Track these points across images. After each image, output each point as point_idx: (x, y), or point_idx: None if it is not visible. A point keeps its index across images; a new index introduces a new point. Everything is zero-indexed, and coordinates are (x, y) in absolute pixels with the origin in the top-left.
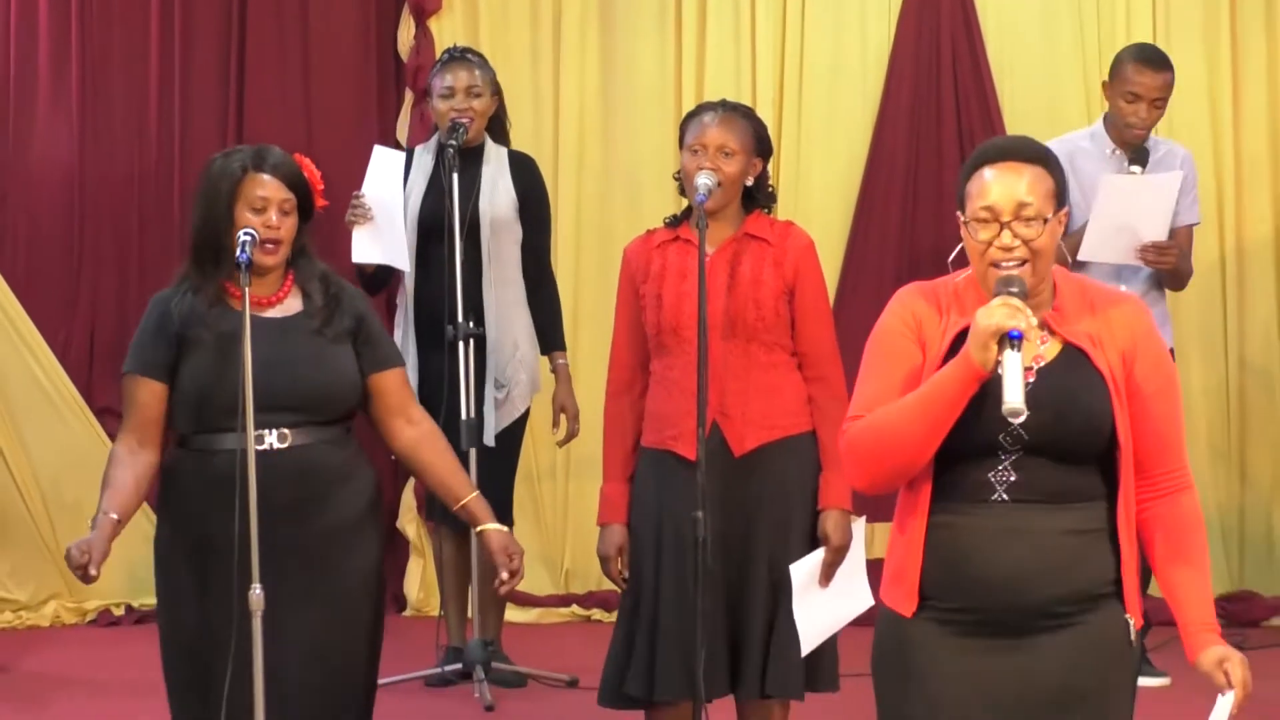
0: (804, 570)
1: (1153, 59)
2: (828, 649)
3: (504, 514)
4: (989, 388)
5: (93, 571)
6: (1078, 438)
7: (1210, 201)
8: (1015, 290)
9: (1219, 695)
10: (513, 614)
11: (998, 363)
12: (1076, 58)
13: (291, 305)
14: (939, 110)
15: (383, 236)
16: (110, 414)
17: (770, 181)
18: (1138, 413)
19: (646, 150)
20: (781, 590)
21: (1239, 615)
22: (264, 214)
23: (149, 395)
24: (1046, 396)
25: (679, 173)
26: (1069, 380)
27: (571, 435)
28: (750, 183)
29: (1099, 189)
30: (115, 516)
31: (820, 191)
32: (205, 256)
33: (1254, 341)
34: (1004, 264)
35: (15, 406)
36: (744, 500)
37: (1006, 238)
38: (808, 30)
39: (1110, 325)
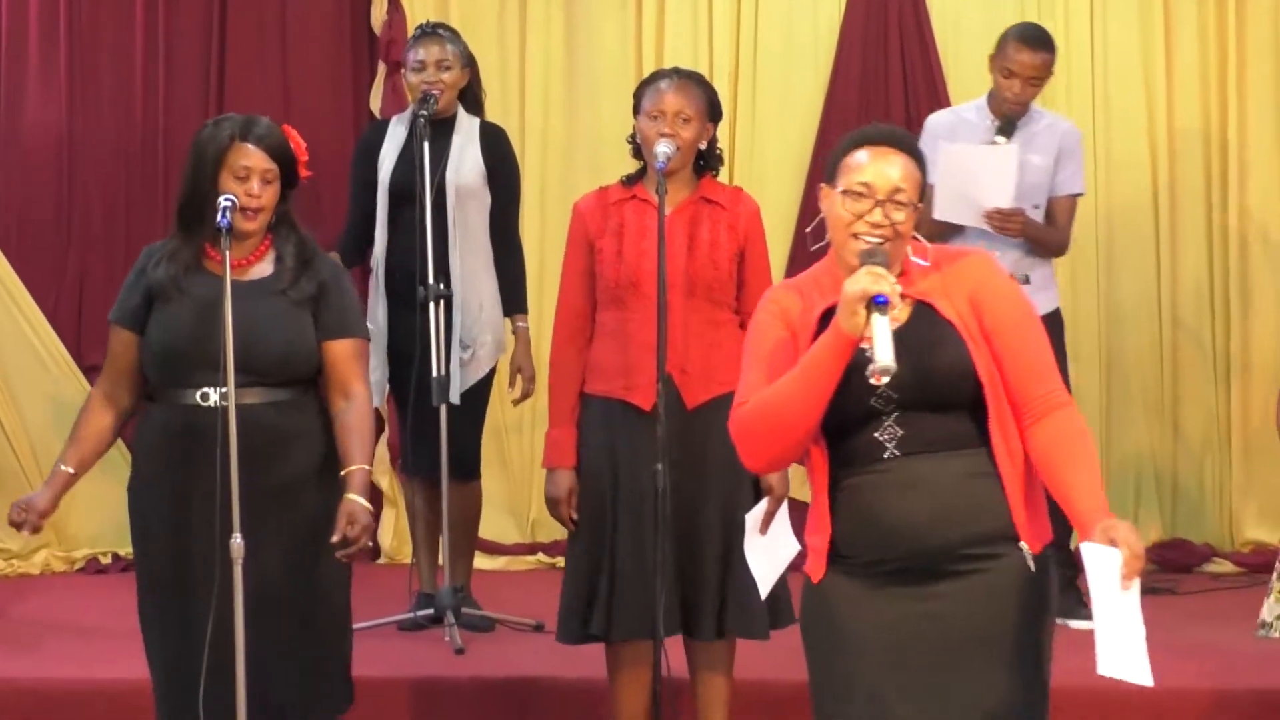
0: (754, 518)
1: (1032, 39)
2: (780, 590)
3: (472, 467)
4: (853, 364)
5: (37, 521)
6: (943, 385)
7: (1145, 173)
8: (878, 260)
9: (1095, 558)
10: (481, 561)
11: (868, 326)
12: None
13: (263, 269)
14: (886, 83)
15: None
16: (97, 372)
17: (719, 146)
18: (1002, 348)
19: (608, 121)
20: (735, 535)
21: (1172, 562)
22: (246, 182)
23: (120, 344)
24: (904, 353)
25: (634, 136)
26: (923, 334)
27: (526, 395)
28: (703, 146)
29: (938, 155)
30: (70, 470)
31: (774, 161)
32: (190, 218)
33: (1186, 304)
34: (866, 237)
35: (7, 365)
36: (696, 451)
37: (878, 215)
38: (762, 6)
39: (955, 277)
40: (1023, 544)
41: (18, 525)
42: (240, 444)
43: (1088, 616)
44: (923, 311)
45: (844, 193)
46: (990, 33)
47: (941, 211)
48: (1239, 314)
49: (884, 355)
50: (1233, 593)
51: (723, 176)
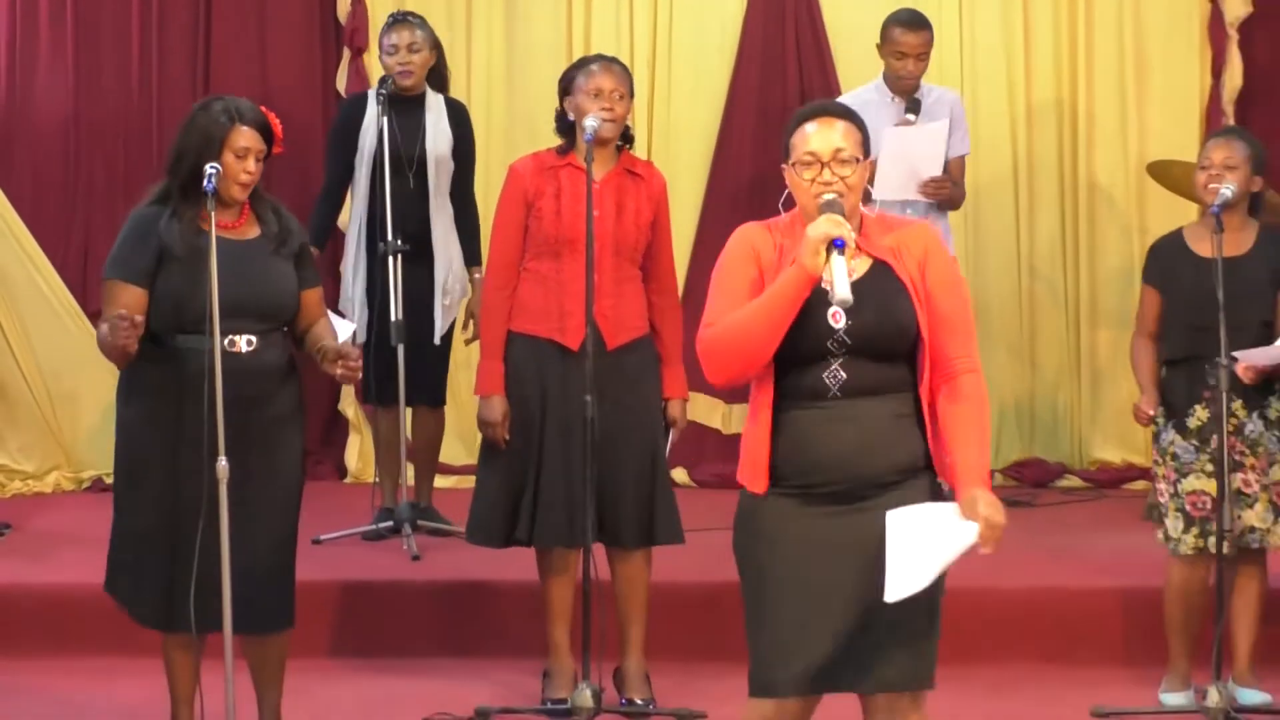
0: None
1: (912, 22)
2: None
3: (440, 394)
4: (815, 305)
5: (138, 318)
6: (891, 337)
7: (1005, 137)
8: (837, 210)
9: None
10: (435, 481)
11: (825, 267)
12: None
13: (250, 230)
14: (784, 67)
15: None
16: (100, 317)
17: (631, 124)
18: (935, 310)
19: (542, 97)
20: (654, 455)
21: (1030, 477)
22: (244, 160)
23: (131, 299)
24: (865, 303)
25: (562, 114)
26: (880, 289)
27: (477, 336)
28: (628, 123)
29: (883, 140)
30: (139, 317)
31: (686, 135)
32: (191, 188)
33: (1042, 253)
34: (824, 195)
35: (22, 311)
36: (616, 385)
37: (827, 175)
38: (676, 1)
39: (906, 243)
40: (941, 481)
41: (123, 327)
42: (240, 381)
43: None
44: (880, 269)
45: (796, 164)
46: (872, 19)
47: (879, 190)
48: (1087, 265)
49: (842, 289)
50: (1082, 505)
51: (641, 151)
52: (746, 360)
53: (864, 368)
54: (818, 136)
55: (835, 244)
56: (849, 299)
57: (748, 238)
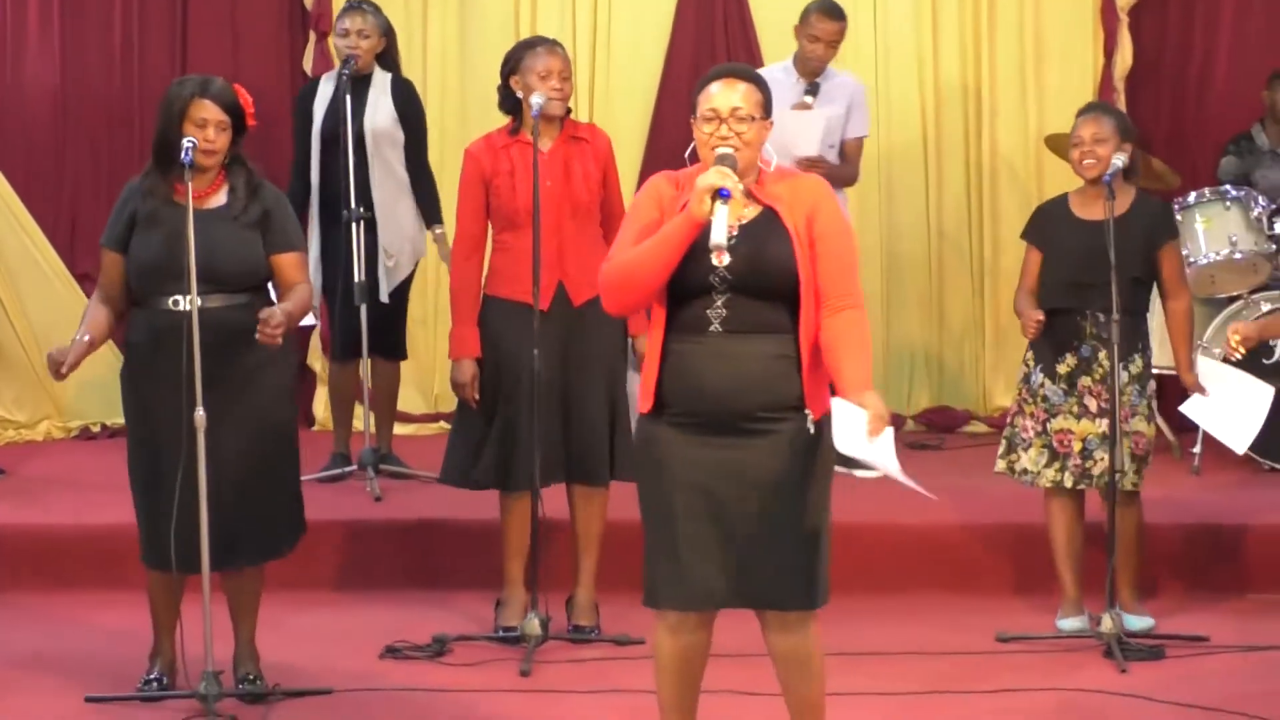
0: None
1: (832, 11)
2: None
3: (399, 350)
4: (702, 246)
5: (64, 370)
6: (770, 277)
7: (915, 114)
8: (729, 163)
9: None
10: (395, 429)
11: (711, 211)
12: None
13: (218, 199)
14: (713, 42)
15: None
16: (87, 279)
17: None
18: (822, 251)
19: (493, 75)
20: (618, 402)
21: (938, 424)
22: (204, 129)
23: (110, 263)
24: (745, 245)
25: (508, 93)
26: (763, 233)
27: None
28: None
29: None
30: (88, 338)
31: (625, 102)
32: (162, 159)
33: (949, 219)
34: (720, 149)
35: (14, 273)
36: (584, 338)
37: (724, 130)
38: None
39: (797, 194)
40: (807, 411)
41: (56, 364)
42: (208, 338)
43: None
44: (768, 215)
45: (699, 119)
46: (792, 3)
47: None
48: (990, 230)
49: (717, 235)
50: (986, 448)
51: (584, 115)
52: (637, 292)
53: (745, 305)
54: (720, 95)
55: (720, 193)
56: (722, 244)
57: (655, 186)
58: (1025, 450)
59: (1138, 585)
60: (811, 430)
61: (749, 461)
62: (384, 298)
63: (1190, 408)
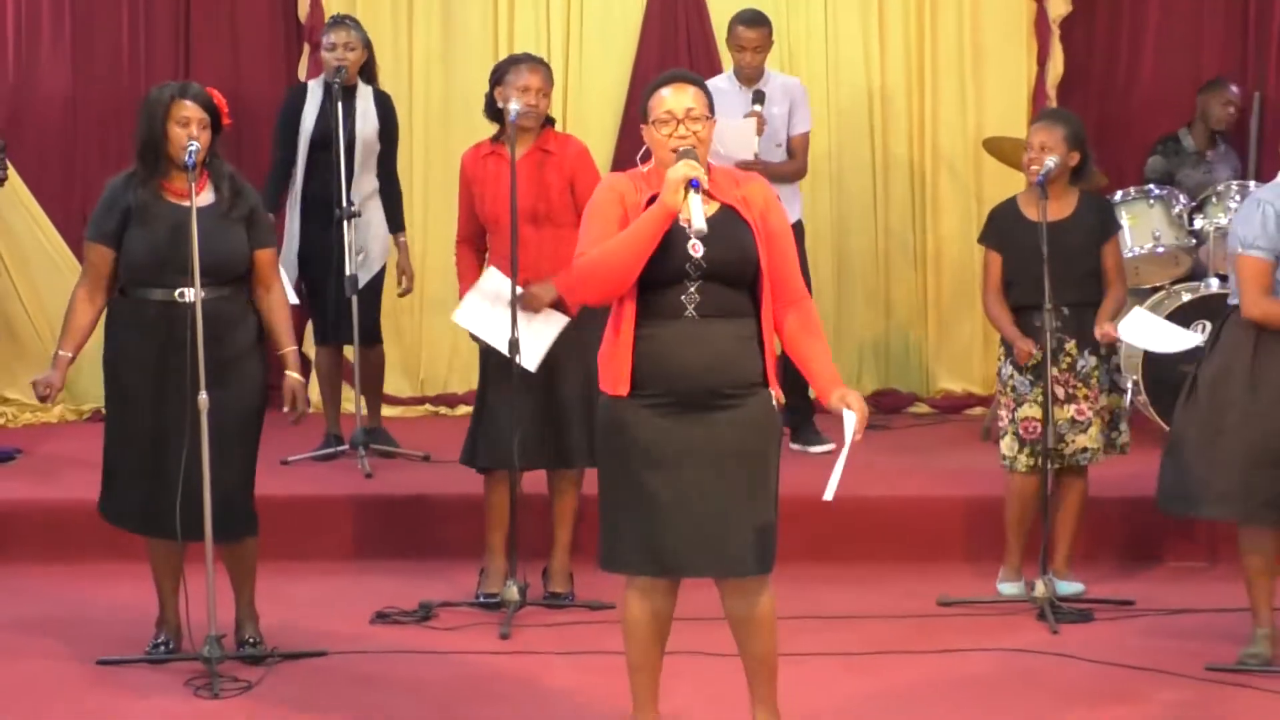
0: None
1: (752, 20)
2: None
3: (375, 334)
4: (675, 236)
5: (52, 396)
6: (738, 266)
7: (863, 116)
8: (692, 158)
9: (844, 414)
10: (383, 410)
11: (683, 204)
12: (769, 12)
13: (206, 197)
14: (676, 50)
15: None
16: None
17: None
18: (774, 248)
19: (474, 86)
20: (592, 390)
21: (886, 405)
22: (189, 128)
23: (99, 257)
24: (716, 238)
25: (492, 103)
26: (729, 227)
27: (407, 291)
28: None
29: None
30: (69, 355)
31: (597, 111)
32: (148, 158)
33: (895, 215)
34: (680, 146)
35: (29, 264)
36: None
37: (681, 130)
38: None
39: (750, 193)
40: (771, 390)
41: (42, 398)
42: (188, 327)
43: (821, 443)
44: (728, 211)
45: (655, 122)
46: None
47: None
48: (933, 224)
49: (699, 221)
50: (930, 428)
51: (558, 116)
52: (615, 282)
53: (716, 291)
54: (673, 98)
55: (692, 184)
56: (705, 229)
57: (614, 184)
58: (1003, 438)
59: (1072, 554)
60: (775, 406)
61: (717, 434)
62: (356, 288)
63: (1125, 328)
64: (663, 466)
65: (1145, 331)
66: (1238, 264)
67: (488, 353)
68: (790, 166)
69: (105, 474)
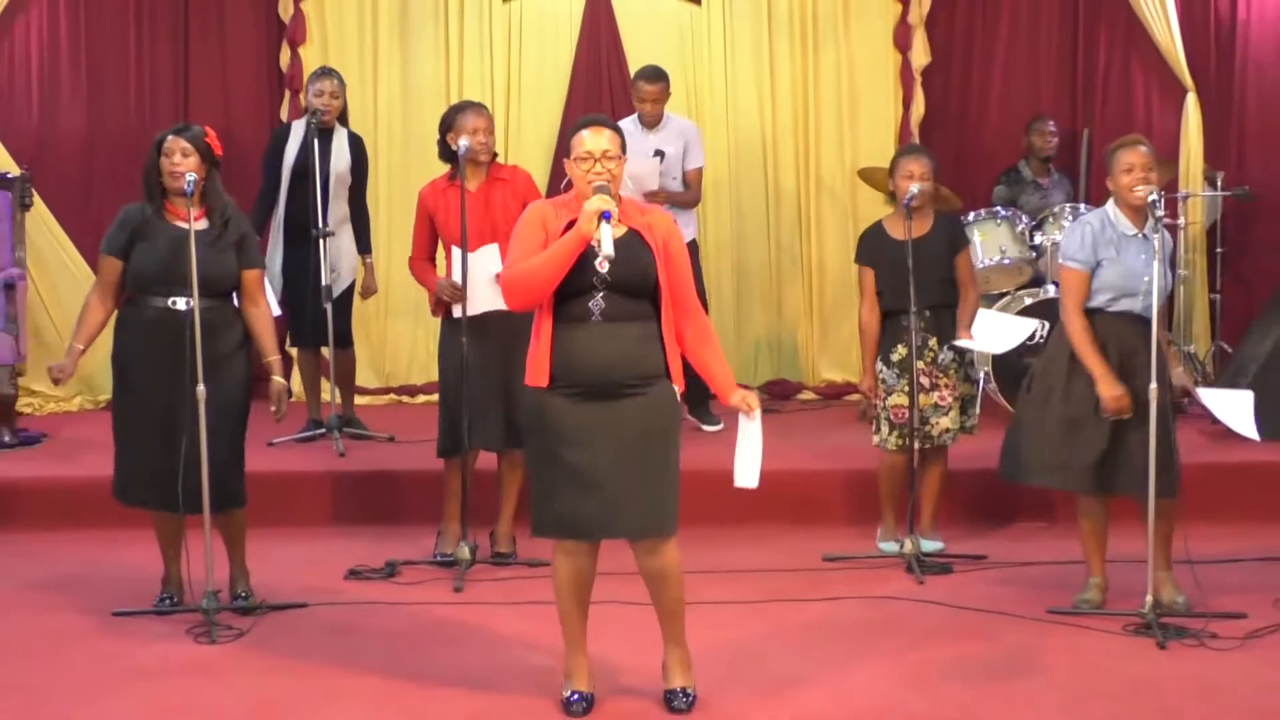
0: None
1: (652, 76)
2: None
3: (347, 338)
4: (587, 256)
5: (64, 380)
6: (638, 280)
7: (757, 151)
8: (605, 191)
9: (743, 419)
10: (355, 400)
11: (596, 231)
12: (678, 68)
13: (202, 223)
14: (599, 97)
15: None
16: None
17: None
18: (674, 269)
19: (429, 127)
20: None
21: (778, 393)
22: (171, 157)
23: (110, 267)
24: (621, 256)
25: (445, 144)
26: (633, 248)
27: (366, 295)
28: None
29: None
30: (80, 347)
31: (533, 146)
32: (147, 185)
33: (785, 231)
34: (596, 181)
35: (54, 279)
36: (507, 334)
37: (598, 168)
38: (525, 47)
39: (654, 222)
40: (675, 386)
41: (56, 381)
42: (191, 332)
43: (713, 423)
44: (633, 235)
45: (576, 159)
46: (663, 61)
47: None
48: (817, 240)
49: (607, 247)
50: (815, 411)
51: (500, 151)
52: (537, 292)
53: (618, 301)
54: (591, 140)
55: (604, 216)
56: (612, 254)
57: (539, 210)
58: (880, 424)
59: (934, 517)
60: (676, 394)
61: (622, 418)
62: (329, 301)
63: (977, 334)
64: (579, 446)
65: (992, 331)
66: (1060, 274)
67: (446, 353)
68: (687, 196)
69: (117, 462)
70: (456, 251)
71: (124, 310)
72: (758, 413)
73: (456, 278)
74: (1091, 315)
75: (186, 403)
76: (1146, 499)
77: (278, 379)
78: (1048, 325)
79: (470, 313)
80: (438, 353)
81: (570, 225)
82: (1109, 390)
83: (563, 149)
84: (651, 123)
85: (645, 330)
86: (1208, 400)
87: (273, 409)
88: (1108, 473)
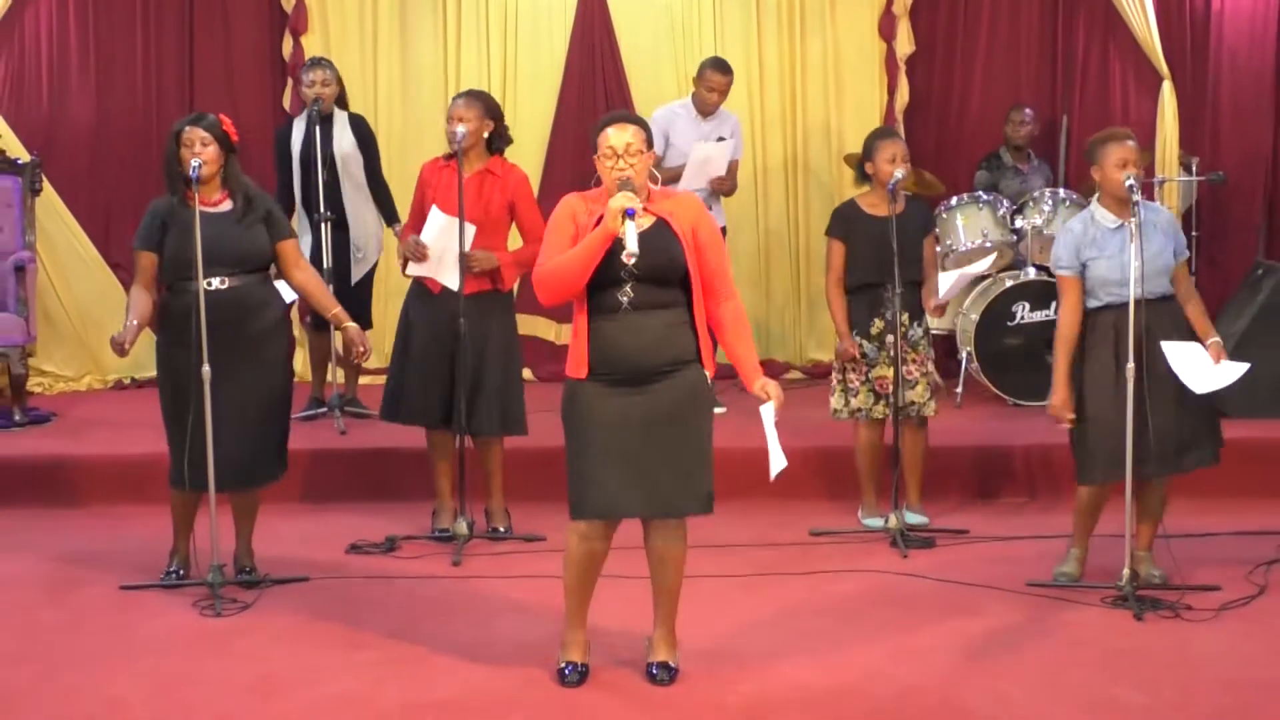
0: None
1: (724, 67)
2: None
3: (364, 320)
4: (615, 249)
5: (126, 348)
6: (666, 269)
7: (747, 138)
8: (629, 187)
9: (761, 406)
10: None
11: (621, 227)
12: (669, 56)
13: (226, 205)
14: (593, 91)
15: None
16: (120, 268)
17: (503, 133)
18: (706, 256)
19: (427, 114)
20: (510, 365)
21: (766, 372)
22: (191, 148)
23: (147, 261)
24: (647, 246)
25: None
26: (660, 238)
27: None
28: (487, 135)
29: (693, 152)
30: (136, 321)
31: (529, 139)
32: (169, 176)
33: (774, 217)
34: (621, 176)
35: (62, 263)
36: (487, 316)
37: (621, 164)
38: (521, 40)
39: (680, 209)
40: (705, 370)
41: (120, 344)
42: (230, 311)
43: (716, 405)
44: (661, 225)
45: (600, 156)
46: (653, 57)
47: (685, 183)
48: (804, 225)
49: (631, 245)
50: (803, 390)
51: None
52: (568, 288)
53: (649, 290)
54: (615, 136)
55: (628, 213)
56: (635, 252)
57: (569, 204)
58: (855, 395)
59: (919, 491)
60: (707, 379)
61: (657, 399)
62: (353, 281)
63: (942, 287)
64: (612, 430)
65: (952, 283)
66: (1058, 282)
67: (410, 320)
68: (729, 184)
69: (173, 450)
70: (434, 212)
71: (164, 299)
72: (773, 402)
73: (425, 237)
74: (1102, 312)
75: (234, 380)
76: (1162, 480)
77: (350, 325)
78: (1027, 306)
79: (417, 273)
80: (400, 310)
81: (601, 220)
82: (1058, 397)
83: (558, 138)
84: (710, 111)
85: (675, 317)
86: (1169, 354)
87: (359, 350)
88: (1174, 454)
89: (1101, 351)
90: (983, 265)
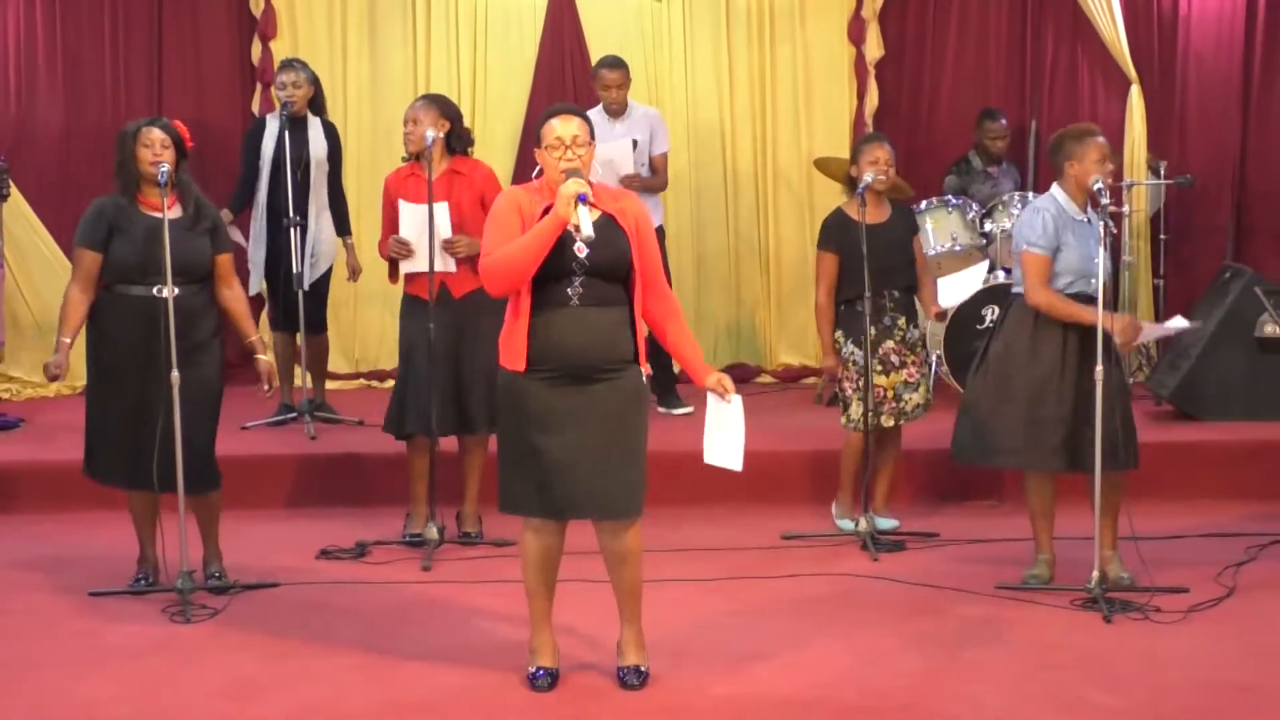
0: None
1: (613, 64)
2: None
3: (321, 324)
4: (565, 240)
5: (62, 375)
6: (615, 265)
7: (716, 139)
8: (578, 175)
9: (714, 400)
10: (326, 385)
11: (573, 214)
12: (639, 60)
13: (176, 211)
14: (562, 87)
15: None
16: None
17: (462, 134)
18: (644, 254)
19: (397, 118)
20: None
21: (736, 376)
22: (151, 148)
23: (89, 260)
24: (598, 239)
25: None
26: (609, 231)
27: (353, 279)
28: (444, 134)
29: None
30: (68, 341)
31: (498, 137)
32: (123, 177)
33: (743, 220)
34: (569, 166)
35: (30, 268)
36: (463, 319)
37: (570, 155)
38: (491, 40)
39: (626, 207)
40: (640, 366)
41: (53, 378)
42: (178, 317)
43: (680, 406)
44: (608, 220)
45: (547, 147)
46: (627, 59)
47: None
48: (774, 228)
49: (587, 229)
50: (773, 394)
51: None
52: (518, 276)
53: (596, 285)
54: (561, 127)
55: (580, 198)
56: (591, 235)
57: (512, 196)
58: (851, 405)
59: (889, 495)
60: (644, 379)
61: (597, 400)
62: (306, 286)
63: (943, 299)
64: (551, 428)
65: (953, 291)
66: (1022, 259)
67: (409, 338)
68: (655, 181)
69: (88, 441)
70: (403, 206)
71: (101, 298)
72: (737, 397)
73: (403, 233)
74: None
75: (164, 386)
76: (1110, 473)
77: (263, 357)
78: (994, 310)
79: (410, 269)
80: (399, 331)
81: (547, 210)
82: (1119, 323)
83: (528, 140)
84: (617, 111)
85: (620, 315)
86: (1149, 333)
87: (265, 387)
88: (1072, 450)
89: (1016, 340)
90: (981, 269)
